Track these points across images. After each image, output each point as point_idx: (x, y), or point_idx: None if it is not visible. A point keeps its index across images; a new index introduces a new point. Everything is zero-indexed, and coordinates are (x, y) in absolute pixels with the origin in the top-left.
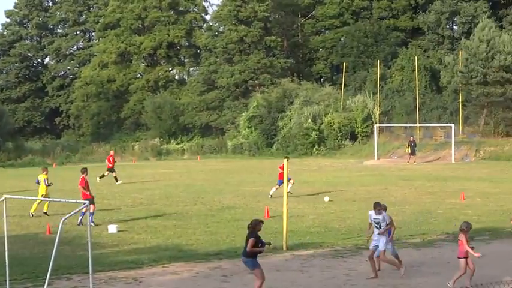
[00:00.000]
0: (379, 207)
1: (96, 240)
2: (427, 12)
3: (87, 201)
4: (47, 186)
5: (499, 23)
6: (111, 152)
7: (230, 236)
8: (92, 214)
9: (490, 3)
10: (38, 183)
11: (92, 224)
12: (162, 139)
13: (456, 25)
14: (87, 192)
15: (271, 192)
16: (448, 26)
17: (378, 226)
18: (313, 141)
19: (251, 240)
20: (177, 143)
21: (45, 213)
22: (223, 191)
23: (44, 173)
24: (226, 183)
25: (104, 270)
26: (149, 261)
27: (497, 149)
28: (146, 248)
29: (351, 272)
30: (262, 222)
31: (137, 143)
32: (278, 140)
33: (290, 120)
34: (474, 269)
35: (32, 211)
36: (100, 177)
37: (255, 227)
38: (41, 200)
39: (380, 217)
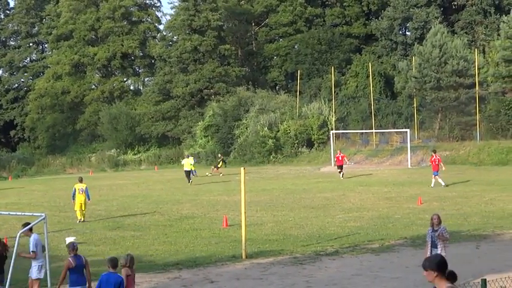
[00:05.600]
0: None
1: (54, 253)
2: (379, 18)
3: (43, 214)
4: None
5: (450, 28)
6: (339, 152)
7: (189, 245)
8: None
9: (442, 9)
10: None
11: None
12: (118, 150)
13: (409, 31)
14: None
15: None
16: (400, 32)
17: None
18: (270, 149)
19: None
20: (134, 154)
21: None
22: (181, 201)
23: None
24: (184, 193)
25: (63, 283)
26: None
27: (452, 153)
28: (105, 260)
29: (311, 279)
30: None
31: (94, 154)
32: (235, 148)
33: (246, 128)
34: None
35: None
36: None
37: None
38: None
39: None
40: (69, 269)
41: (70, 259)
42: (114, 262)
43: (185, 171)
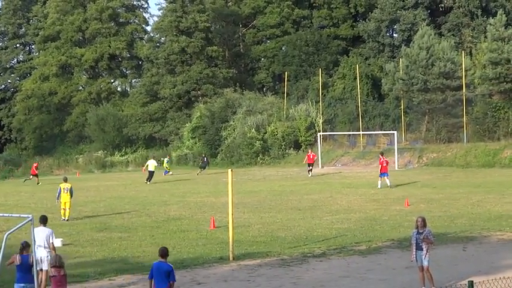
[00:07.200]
0: None
1: None
2: (367, 20)
3: (30, 215)
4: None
5: (438, 30)
6: (310, 151)
7: (176, 247)
8: None
9: (429, 11)
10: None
11: None
12: (105, 151)
13: (396, 33)
14: None
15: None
16: (388, 34)
17: None
18: (257, 151)
19: None
20: (121, 155)
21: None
22: (169, 202)
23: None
24: (171, 194)
25: (49, 284)
26: (95, 274)
27: (439, 155)
28: (92, 261)
29: (298, 280)
30: None
31: (81, 155)
32: (222, 150)
33: (234, 130)
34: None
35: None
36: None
37: None
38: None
39: None
40: (16, 266)
41: (17, 256)
42: (163, 251)
43: (149, 171)
